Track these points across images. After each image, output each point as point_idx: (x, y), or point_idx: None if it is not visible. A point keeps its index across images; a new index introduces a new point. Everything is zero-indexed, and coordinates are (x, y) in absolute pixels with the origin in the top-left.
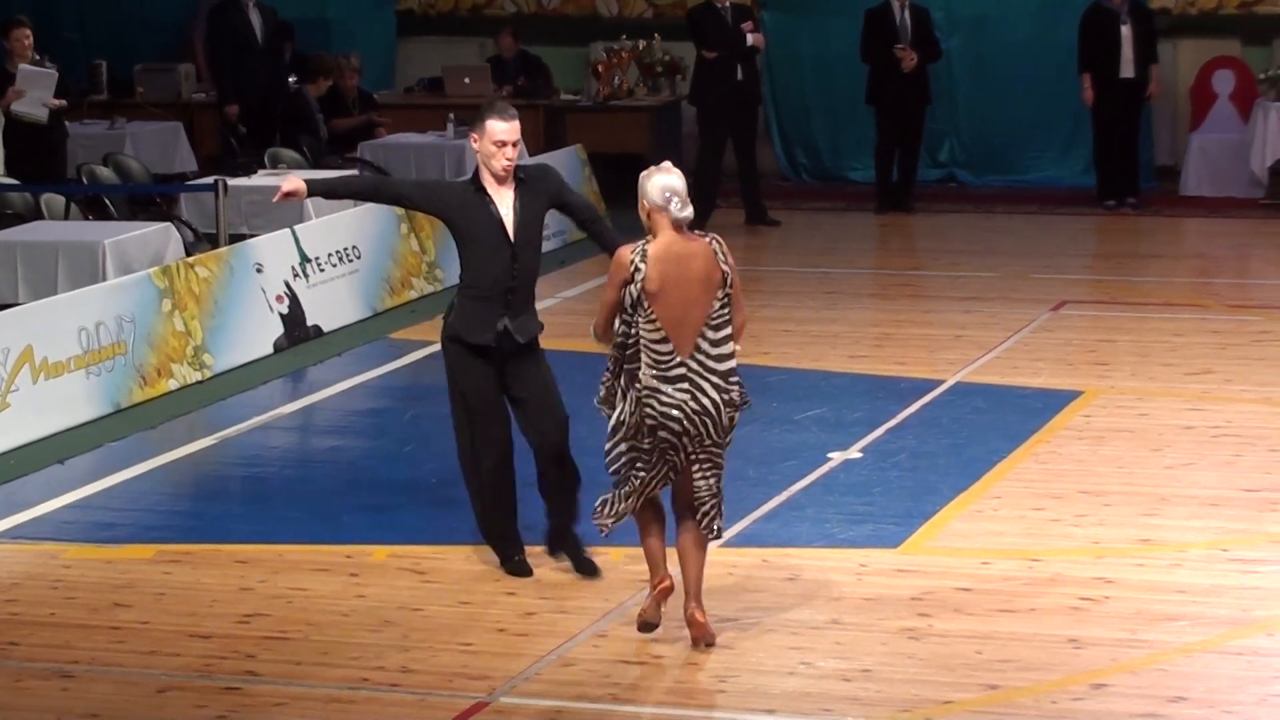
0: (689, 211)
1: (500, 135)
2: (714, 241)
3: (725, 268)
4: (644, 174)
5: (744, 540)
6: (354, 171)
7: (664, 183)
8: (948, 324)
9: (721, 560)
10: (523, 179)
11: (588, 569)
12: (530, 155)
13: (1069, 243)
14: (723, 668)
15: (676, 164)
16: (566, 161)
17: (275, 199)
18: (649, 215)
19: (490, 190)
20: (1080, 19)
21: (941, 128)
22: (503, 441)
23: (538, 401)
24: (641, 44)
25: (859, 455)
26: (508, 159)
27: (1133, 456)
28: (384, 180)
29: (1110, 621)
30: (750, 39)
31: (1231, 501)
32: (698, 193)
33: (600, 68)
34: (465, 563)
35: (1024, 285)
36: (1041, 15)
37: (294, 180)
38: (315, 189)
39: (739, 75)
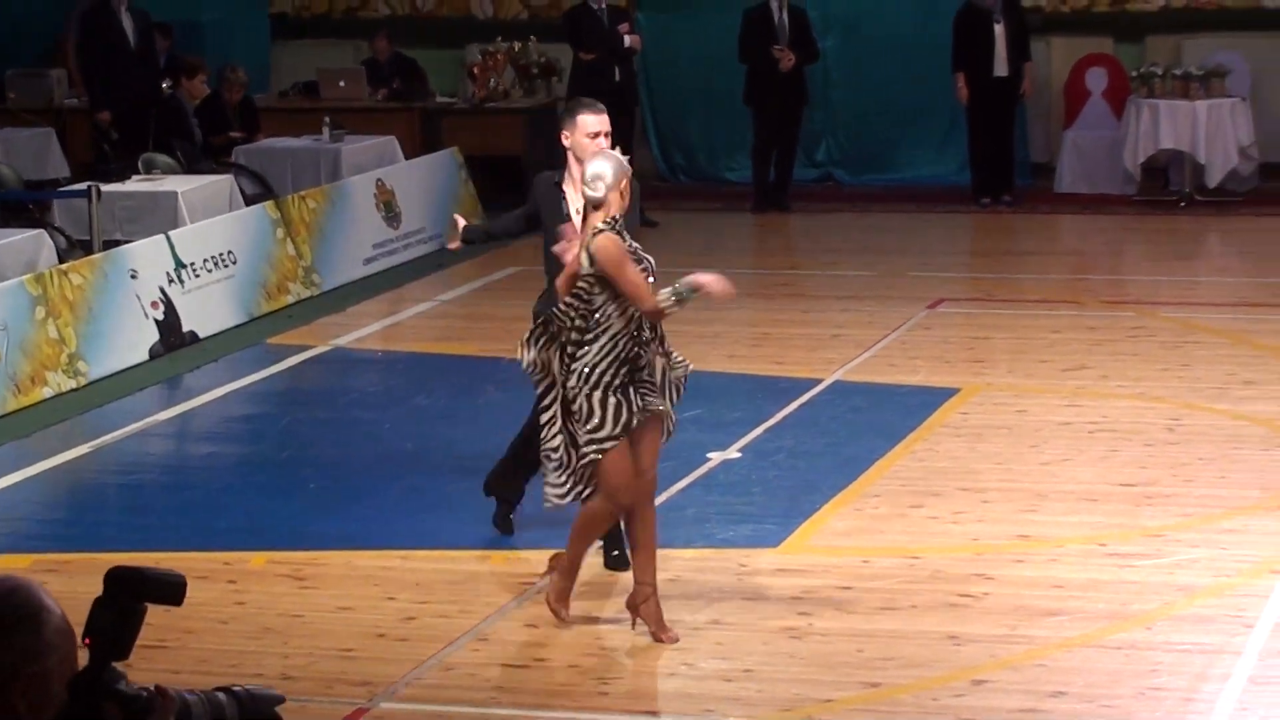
0: (594, 193)
1: (594, 127)
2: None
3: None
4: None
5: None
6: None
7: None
8: (826, 323)
9: (597, 561)
10: None
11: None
12: (406, 159)
13: (945, 241)
14: (604, 669)
15: (552, 167)
16: (443, 164)
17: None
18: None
19: (567, 188)
20: (954, 18)
21: (818, 127)
22: None
23: None
24: (517, 46)
25: (738, 455)
26: (600, 149)
27: (1010, 453)
28: (521, 212)
29: (990, 618)
30: (627, 40)
31: (1108, 496)
32: None
33: (476, 70)
34: (345, 568)
35: (901, 283)
36: (916, 14)
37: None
38: (470, 236)
39: (616, 77)
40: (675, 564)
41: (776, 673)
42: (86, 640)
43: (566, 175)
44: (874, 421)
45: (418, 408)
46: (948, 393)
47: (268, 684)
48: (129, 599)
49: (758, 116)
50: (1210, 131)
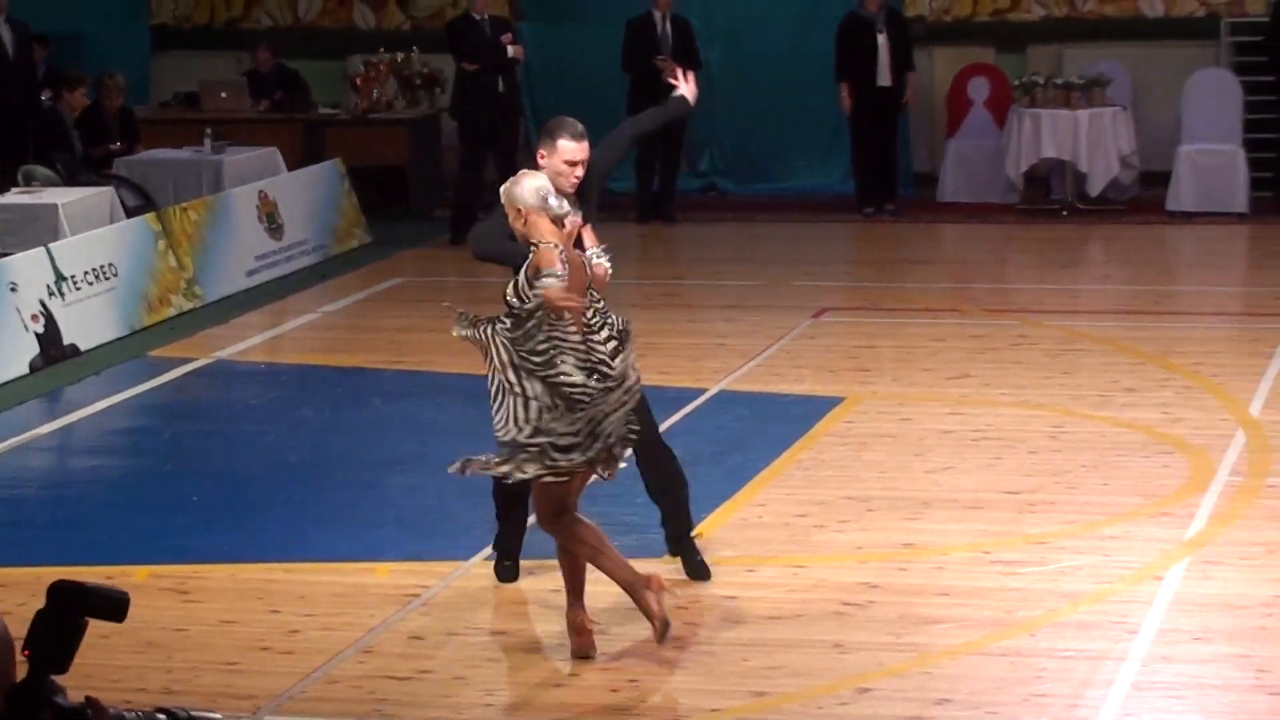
0: (568, 207)
1: (571, 155)
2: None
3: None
4: (508, 183)
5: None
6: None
7: (535, 184)
8: (710, 332)
9: (485, 573)
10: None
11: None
12: (288, 170)
13: (829, 250)
14: (490, 681)
15: (436, 178)
16: (326, 176)
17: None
18: (526, 222)
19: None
20: (837, 28)
21: (701, 137)
22: None
23: None
24: (400, 57)
25: (624, 465)
26: (576, 178)
27: (894, 461)
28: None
29: (875, 625)
30: (510, 51)
31: (992, 504)
32: (457, 206)
33: (358, 81)
34: (228, 581)
35: (785, 293)
36: (799, 25)
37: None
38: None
39: (500, 87)
40: (558, 575)
41: (661, 683)
42: (26, 651)
43: None
44: (759, 431)
45: (302, 420)
46: (832, 401)
47: (151, 699)
48: (71, 612)
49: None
50: (1091, 140)
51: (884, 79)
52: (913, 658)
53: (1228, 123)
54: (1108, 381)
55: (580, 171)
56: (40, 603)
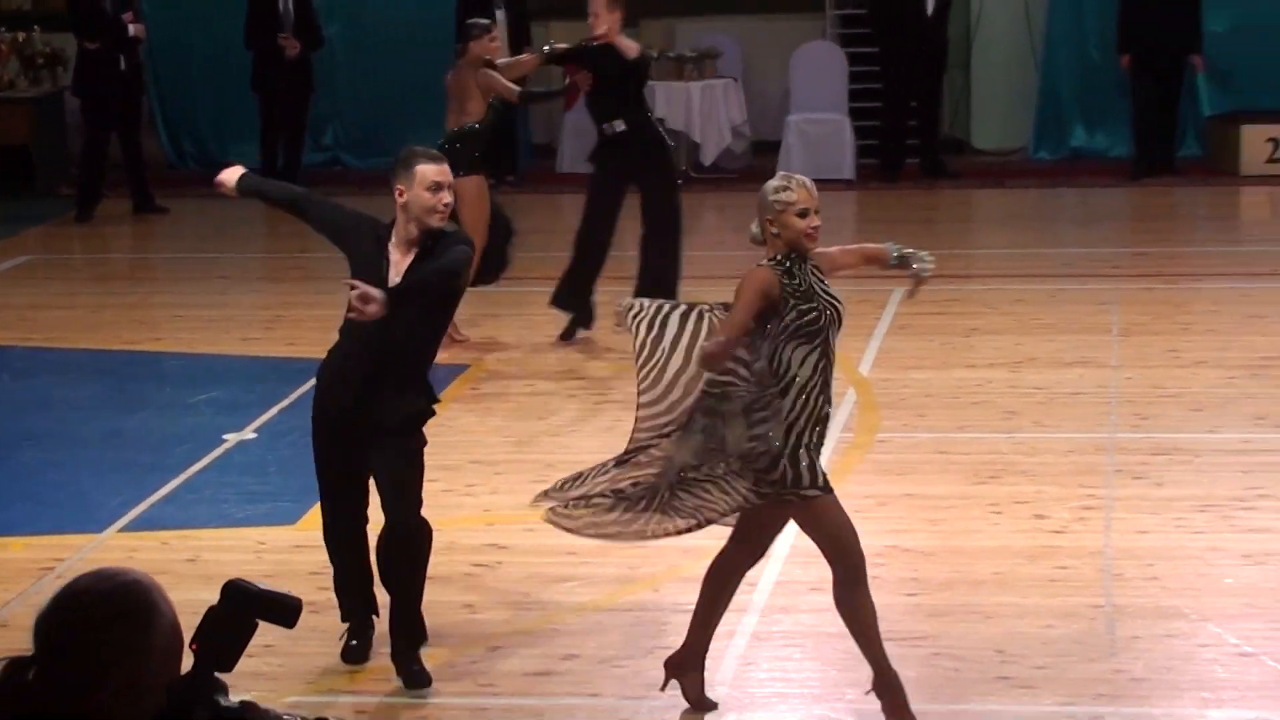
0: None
1: (434, 177)
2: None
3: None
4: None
5: (143, 524)
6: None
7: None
8: (336, 304)
9: (121, 544)
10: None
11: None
12: None
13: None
14: None
15: (61, 157)
16: None
17: (215, 184)
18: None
19: (393, 248)
20: (455, 7)
21: (324, 112)
22: None
23: None
24: (21, 36)
25: (253, 436)
26: (445, 205)
27: (519, 426)
28: (312, 201)
29: (504, 586)
30: (131, 29)
31: None
32: (82, 185)
33: None
34: None
35: None
36: (413, 2)
37: (232, 171)
38: (246, 186)
39: (121, 65)
40: (193, 544)
41: (298, 647)
42: (193, 645)
43: (393, 234)
44: None
45: None
46: (459, 369)
47: None
48: (243, 613)
49: (264, 103)
50: (704, 111)
51: (505, 55)
52: (541, 615)
53: (834, 93)
54: None
55: (448, 197)
56: None
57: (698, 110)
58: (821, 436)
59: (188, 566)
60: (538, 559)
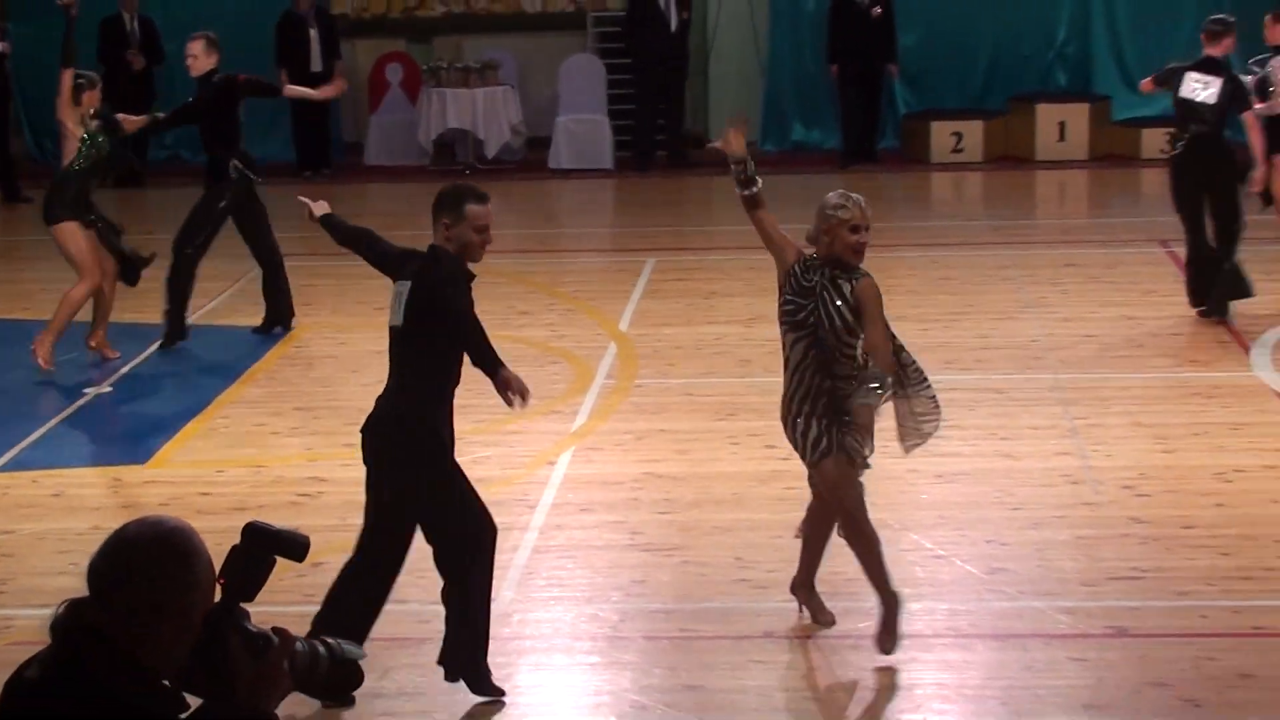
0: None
1: (482, 220)
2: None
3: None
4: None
5: (15, 465)
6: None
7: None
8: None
9: None
10: None
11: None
12: None
13: (272, 208)
14: (2, 573)
15: None
16: None
17: (302, 203)
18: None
19: None
20: (275, 27)
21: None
22: None
23: None
24: None
25: (110, 389)
26: (486, 243)
27: (336, 377)
28: (373, 237)
29: (325, 511)
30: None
31: None
32: None
33: None
34: None
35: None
36: (242, 18)
37: (322, 205)
38: (325, 221)
39: None
40: (59, 481)
41: None
42: (222, 580)
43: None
44: (225, 358)
45: None
46: (282, 332)
47: None
48: (262, 550)
49: (113, 109)
50: (487, 113)
51: (317, 65)
52: (356, 534)
53: (595, 97)
54: (505, 307)
55: (489, 237)
56: None
57: (482, 112)
58: (829, 407)
59: (54, 500)
60: (354, 489)
